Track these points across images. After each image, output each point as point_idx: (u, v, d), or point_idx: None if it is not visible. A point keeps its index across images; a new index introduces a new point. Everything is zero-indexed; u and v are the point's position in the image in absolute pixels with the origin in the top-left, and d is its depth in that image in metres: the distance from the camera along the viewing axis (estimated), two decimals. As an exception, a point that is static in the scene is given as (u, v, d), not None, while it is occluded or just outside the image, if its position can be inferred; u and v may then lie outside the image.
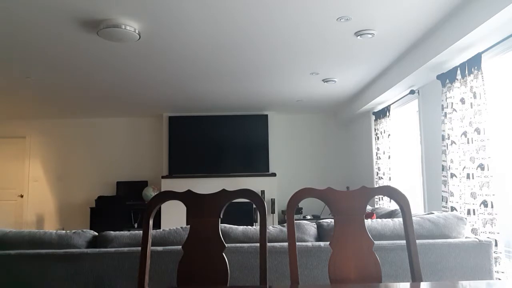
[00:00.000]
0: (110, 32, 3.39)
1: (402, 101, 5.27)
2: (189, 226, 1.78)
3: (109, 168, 7.78)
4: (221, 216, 1.54)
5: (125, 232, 2.39)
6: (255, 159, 7.28)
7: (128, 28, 3.37)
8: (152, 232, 2.33)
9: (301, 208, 7.22)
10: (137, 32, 3.47)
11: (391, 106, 5.51)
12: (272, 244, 2.30)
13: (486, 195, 3.21)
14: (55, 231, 2.40)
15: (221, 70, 4.81)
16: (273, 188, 7.11)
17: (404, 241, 2.31)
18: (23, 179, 7.76)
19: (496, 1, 2.72)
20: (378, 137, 5.85)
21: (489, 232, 3.14)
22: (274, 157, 7.74)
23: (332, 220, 2.42)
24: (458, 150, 3.64)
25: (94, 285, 2.18)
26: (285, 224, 2.47)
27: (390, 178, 5.41)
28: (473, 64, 3.38)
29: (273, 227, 2.45)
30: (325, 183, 7.66)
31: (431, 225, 2.42)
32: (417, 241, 2.32)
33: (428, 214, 2.57)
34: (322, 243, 2.31)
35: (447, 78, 3.81)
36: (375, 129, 5.99)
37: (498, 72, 3.43)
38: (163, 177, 7.10)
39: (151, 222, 1.53)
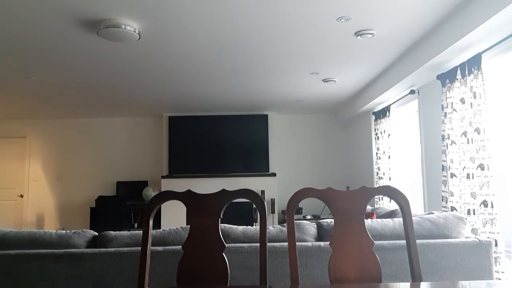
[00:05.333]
0: (110, 32, 3.39)
1: (402, 101, 5.27)
2: (189, 226, 1.78)
3: (109, 168, 7.78)
4: (221, 216, 1.54)
5: (125, 232, 2.39)
6: (255, 159, 7.28)
7: (128, 28, 3.37)
8: (152, 232, 2.33)
9: (301, 208, 7.22)
10: (137, 32, 3.47)
11: (391, 106, 5.51)
12: (272, 244, 2.30)
13: (486, 195, 3.21)
14: (55, 231, 2.40)
15: (221, 70, 4.81)
16: (273, 188, 7.11)
17: (404, 241, 2.31)
18: (23, 179, 7.76)
19: (496, 1, 2.72)
20: (378, 137, 5.85)
21: (489, 232, 3.14)
22: (274, 157, 7.74)
23: (332, 220, 2.42)
24: (458, 150, 3.64)
25: (94, 285, 2.18)
26: (285, 224, 2.47)
27: (390, 178, 5.41)
28: (473, 64, 3.38)
29: (273, 227, 2.45)
30: (325, 183, 7.66)
31: (431, 225, 2.42)
32: (417, 241, 2.32)
33: (428, 214, 2.57)
34: (322, 243, 2.31)
35: (447, 78, 3.81)
36: (375, 129, 5.99)
37: (498, 72, 3.44)
38: (163, 177, 7.10)
39: (151, 222, 1.53)
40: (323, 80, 5.29)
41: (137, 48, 4.01)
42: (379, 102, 5.56)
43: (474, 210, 3.35)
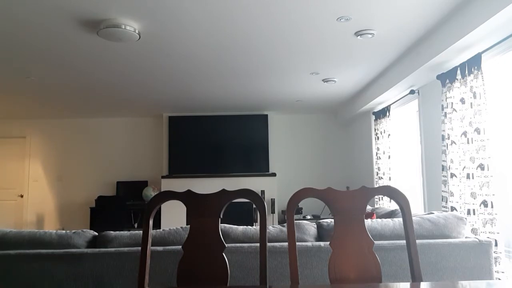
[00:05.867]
0: (110, 32, 3.39)
1: (402, 101, 5.27)
2: (189, 226, 1.78)
3: (109, 168, 7.78)
4: (221, 216, 1.54)
5: (125, 232, 2.39)
6: (255, 159, 7.28)
7: (128, 28, 3.37)
8: (152, 232, 2.33)
9: (301, 208, 7.22)
10: (137, 32, 3.47)
11: (391, 106, 5.51)
12: (272, 244, 2.30)
13: (486, 195, 3.21)
14: (55, 231, 2.40)
15: (221, 70, 4.81)
16: (273, 188, 7.11)
17: (404, 241, 2.31)
18: (23, 179, 7.76)
19: (496, 1, 2.72)
20: (378, 137, 5.85)
21: (489, 232, 3.14)
22: (274, 157, 7.73)
23: (332, 220, 2.42)
24: (458, 150, 3.64)
25: (94, 285, 2.18)
26: (285, 224, 2.47)
27: (390, 178, 5.41)
28: (473, 64, 3.38)
29: (273, 227, 2.45)
30: (325, 183, 7.66)
31: (431, 225, 2.42)
32: (417, 241, 2.32)
33: (428, 214, 2.57)
34: (322, 243, 2.31)
35: (447, 78, 3.81)
36: (375, 129, 5.99)
37: (498, 72, 3.44)
38: (163, 177, 7.10)
39: (151, 222, 1.53)
40: (323, 80, 5.29)
41: (137, 48, 4.01)
42: (379, 102, 5.55)
43: (474, 210, 3.35)
